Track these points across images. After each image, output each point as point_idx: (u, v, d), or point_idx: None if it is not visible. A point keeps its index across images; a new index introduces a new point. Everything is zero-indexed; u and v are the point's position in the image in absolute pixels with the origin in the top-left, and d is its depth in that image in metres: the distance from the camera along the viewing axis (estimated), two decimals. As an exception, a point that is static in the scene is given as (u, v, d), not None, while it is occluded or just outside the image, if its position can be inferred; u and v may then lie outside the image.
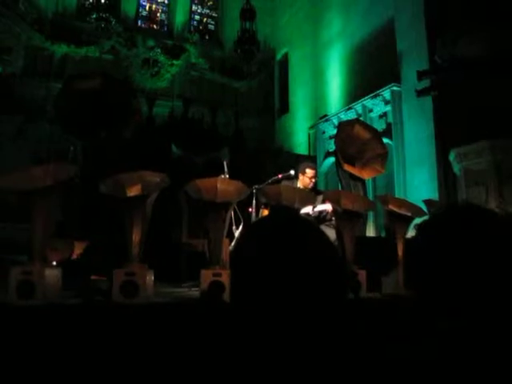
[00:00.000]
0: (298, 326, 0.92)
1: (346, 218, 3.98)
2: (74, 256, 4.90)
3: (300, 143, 13.48)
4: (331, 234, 4.46)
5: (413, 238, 1.16)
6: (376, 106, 10.10)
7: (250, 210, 5.69)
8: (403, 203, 4.57)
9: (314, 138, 12.52)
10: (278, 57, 15.78)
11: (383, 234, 9.02)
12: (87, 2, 14.41)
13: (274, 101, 15.62)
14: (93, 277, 4.19)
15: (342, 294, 0.99)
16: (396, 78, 9.48)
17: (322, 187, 10.54)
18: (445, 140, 7.97)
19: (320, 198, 5.42)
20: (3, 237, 6.29)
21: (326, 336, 0.94)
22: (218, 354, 1.04)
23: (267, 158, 10.56)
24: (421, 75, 8.07)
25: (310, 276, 0.93)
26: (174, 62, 14.26)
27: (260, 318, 0.92)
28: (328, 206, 5.48)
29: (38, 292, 2.99)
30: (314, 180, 5.84)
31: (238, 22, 15.06)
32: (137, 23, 15.26)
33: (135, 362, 2.60)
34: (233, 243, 5.25)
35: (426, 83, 8.18)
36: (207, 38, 15.98)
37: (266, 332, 0.92)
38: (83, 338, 2.72)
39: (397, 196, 8.15)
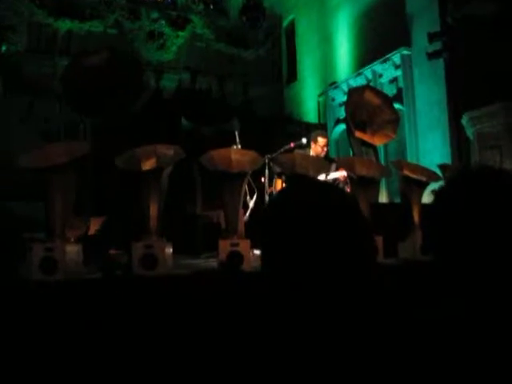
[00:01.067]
0: (331, 291, 0.93)
1: (361, 185, 3.98)
2: (91, 232, 4.96)
3: (309, 111, 13.38)
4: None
5: (430, 203, 1.16)
6: (386, 71, 9.95)
7: (263, 179, 5.71)
8: (417, 168, 4.55)
9: (324, 106, 12.42)
10: (285, 24, 15.52)
11: (396, 200, 9.01)
12: (89, -25, 14.20)
13: (281, 69, 15.44)
14: (111, 251, 4.25)
15: (373, 257, 1.00)
16: (406, 42, 9.31)
17: (333, 155, 10.47)
18: (457, 104, 7.87)
19: (333, 165, 5.42)
20: (19, 214, 6.36)
21: (359, 300, 0.95)
22: (243, 322, 1.06)
23: (277, 127, 10.51)
24: (432, 37, 7.91)
25: (342, 241, 0.93)
26: (180, 33, 14.09)
27: (292, 284, 0.93)
28: (341, 174, 5.49)
29: (60, 268, 3.05)
30: (325, 148, 5.84)
31: (244, -10, 14.80)
32: (140, -5, 15.05)
33: (158, 333, 2.65)
34: (247, 213, 5.29)
35: (437, 45, 8.02)
36: (212, 7, 15.72)
37: (298, 296, 0.93)
38: (106, 311, 2.78)
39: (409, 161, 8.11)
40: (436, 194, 1.12)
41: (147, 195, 3.32)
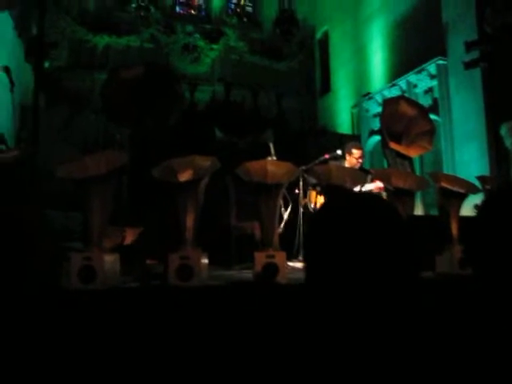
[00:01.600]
0: (375, 305, 0.92)
1: (398, 197, 3.93)
2: (127, 242, 5.03)
3: (343, 122, 13.33)
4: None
5: (472, 216, 1.14)
6: (421, 82, 9.84)
7: (297, 191, 5.70)
8: (455, 180, 4.46)
9: (358, 117, 12.35)
10: (318, 35, 15.54)
11: (432, 212, 8.85)
12: (126, -8, 14.56)
13: (315, 81, 15.44)
14: (148, 261, 4.30)
15: (417, 272, 0.99)
16: (441, 51, 9.19)
17: (367, 166, 10.40)
18: (495, 114, 7.71)
19: (368, 177, 5.37)
20: (57, 224, 6.50)
21: (402, 315, 0.94)
22: (281, 335, 1.06)
23: (311, 139, 10.49)
24: (469, 46, 7.79)
25: (387, 254, 0.92)
26: (213, 46, 14.28)
27: (337, 298, 0.92)
28: (376, 185, 5.43)
29: (99, 277, 3.09)
30: (360, 160, 5.81)
31: (276, 2, 14.90)
32: (175, 10, 15.31)
33: (193, 343, 2.67)
34: (282, 225, 5.28)
35: (474, 55, 7.90)
36: (245, 20, 15.88)
37: (342, 310, 0.92)
38: (143, 320, 2.80)
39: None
40: (479, 207, 1.11)
41: (184, 206, 3.35)
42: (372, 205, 1.01)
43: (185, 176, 3.44)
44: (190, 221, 3.38)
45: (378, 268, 0.91)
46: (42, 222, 1.39)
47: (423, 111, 6.34)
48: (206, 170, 3.55)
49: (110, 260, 3.32)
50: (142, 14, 13.32)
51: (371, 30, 12.17)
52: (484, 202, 1.12)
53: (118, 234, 4.98)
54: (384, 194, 5.21)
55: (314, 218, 1.06)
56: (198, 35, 14.21)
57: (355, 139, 10.43)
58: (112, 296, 2.89)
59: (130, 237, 5.01)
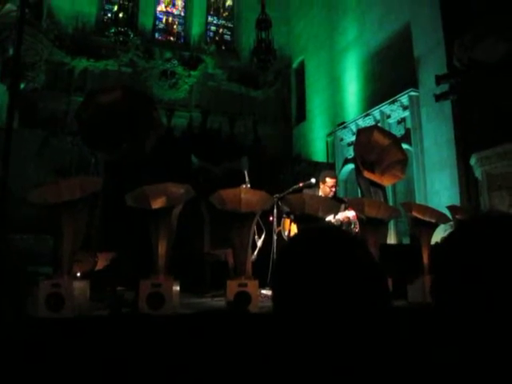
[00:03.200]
0: (344, 335, 0.92)
1: (370, 226, 3.95)
2: (99, 268, 4.94)
3: (318, 150, 13.46)
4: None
5: (440, 244, 1.15)
6: (394, 112, 10.03)
7: (271, 218, 5.70)
8: (427, 209, 4.53)
9: (332, 145, 12.48)
10: (294, 65, 15.80)
11: (404, 241, 8.94)
12: (106, 17, 14.64)
13: (291, 109, 15.63)
14: (119, 288, 4.22)
15: (386, 302, 0.99)
16: (414, 83, 9.41)
17: (341, 195, 10.48)
18: (465, 144, 7.88)
19: (342, 206, 5.41)
20: (25, 248, 6.36)
21: (372, 344, 0.94)
22: (250, 363, 1.05)
23: (286, 167, 10.55)
24: (439, 80, 8.00)
25: (355, 286, 0.93)
26: (192, 72, 14.38)
27: (305, 327, 0.92)
28: (349, 214, 5.47)
29: (67, 304, 3.02)
30: (334, 189, 5.85)
31: (254, 32, 15.13)
32: (154, 36, 15.42)
33: (162, 372, 2.61)
34: (255, 253, 5.26)
35: (444, 87, 8.11)
36: (223, 48, 16.08)
37: (310, 340, 0.92)
38: (112, 348, 2.74)
39: (418, 202, 8.07)
40: (445, 239, 1.12)
41: (156, 233, 3.31)
42: (338, 237, 1.03)
43: (158, 203, 3.41)
44: (162, 248, 3.34)
45: (344, 298, 0.91)
46: (5, 245, 1.35)
47: (396, 141, 6.45)
48: (180, 197, 3.53)
49: (80, 287, 3.25)
50: (121, 38, 13.35)
51: (346, 60, 12.43)
52: (451, 233, 1.14)
53: (89, 259, 4.89)
54: (356, 223, 5.26)
55: (283, 248, 1.07)
56: (176, 61, 14.33)
57: (330, 167, 10.54)
58: (80, 324, 2.82)
59: (101, 262, 4.92)
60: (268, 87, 15.33)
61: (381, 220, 3.98)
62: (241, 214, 3.52)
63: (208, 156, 8.43)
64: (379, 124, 9.86)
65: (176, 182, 3.87)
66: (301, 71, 15.30)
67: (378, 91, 10.78)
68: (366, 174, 5.89)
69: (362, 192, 6.15)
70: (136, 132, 4.88)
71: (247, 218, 3.52)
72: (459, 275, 1.00)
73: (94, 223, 5.11)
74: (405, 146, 8.13)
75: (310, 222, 3.93)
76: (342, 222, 5.54)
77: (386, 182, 6.16)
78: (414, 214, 4.29)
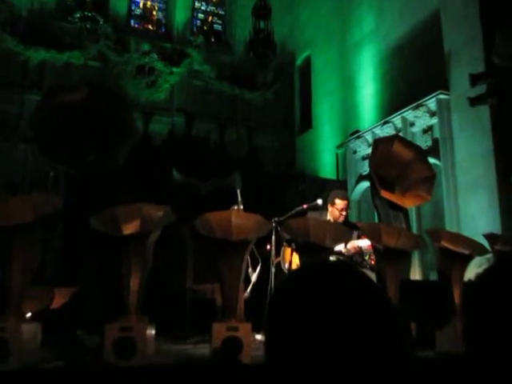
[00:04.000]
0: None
1: (389, 258, 3.95)
2: (55, 306, 4.90)
3: (326, 165, 13.50)
4: (370, 277, 4.40)
5: (474, 282, 1.15)
6: (419, 119, 10.09)
7: (269, 247, 5.69)
8: (459, 238, 4.53)
9: (344, 159, 12.52)
10: (299, 62, 15.93)
11: (432, 277, 8.91)
12: (70, -1, 14.63)
13: (294, 115, 15.71)
14: (79, 332, 4.18)
15: (400, 353, 0.99)
16: (443, 84, 9.47)
17: (353, 219, 10.48)
18: (506, 158, 7.89)
19: (354, 233, 5.41)
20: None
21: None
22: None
23: (287, 184, 10.57)
24: (475, 80, 8.03)
25: (364, 334, 0.93)
26: (174, 69, 14.47)
27: (298, 381, 0.93)
28: (364, 243, 5.46)
29: (13, 353, 2.97)
30: (345, 212, 5.86)
31: (250, 21, 15.28)
32: (129, 23, 15.53)
33: None
34: (249, 289, 5.24)
35: (481, 89, 8.14)
36: (213, 40, 16.22)
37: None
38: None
39: (448, 229, 8.07)
40: (480, 275, 1.12)
41: (128, 264, 3.29)
42: (349, 275, 1.03)
43: (130, 228, 3.40)
44: (135, 282, 3.32)
45: (351, 349, 0.91)
46: None
47: (421, 154, 6.48)
48: (157, 221, 3.52)
49: (30, 330, 3.21)
50: (88, 25, 13.39)
51: (361, 57, 12.53)
52: (489, 268, 1.14)
53: (43, 296, 4.85)
54: (371, 254, 5.25)
55: (280, 286, 1.07)
56: (155, 55, 14.41)
57: (340, 186, 10.56)
58: (28, 378, 2.78)
59: (59, 300, 4.88)
60: (267, 88, 15.43)
61: (402, 251, 3.98)
62: (231, 242, 3.51)
63: (193, 170, 8.43)
64: (401, 134, 9.90)
65: (153, 202, 3.86)
66: (306, 69, 15.42)
67: (399, 94, 10.86)
68: (385, 194, 5.90)
69: (379, 216, 6.16)
70: (106, 140, 4.88)
71: (239, 246, 3.51)
72: (497, 320, 1.00)
73: (50, 252, 5.08)
74: (432, 160, 8.15)
75: (315, 252, 3.92)
76: (353, 253, 5.54)
77: (409, 203, 6.18)
78: (443, 243, 4.28)
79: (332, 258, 5.47)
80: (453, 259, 4.16)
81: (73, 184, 5.30)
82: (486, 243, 4.85)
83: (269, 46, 14.71)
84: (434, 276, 8.86)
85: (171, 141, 12.95)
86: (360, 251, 5.52)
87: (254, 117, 15.02)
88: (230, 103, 14.87)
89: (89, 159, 4.84)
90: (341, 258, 5.59)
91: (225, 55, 15.63)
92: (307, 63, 15.41)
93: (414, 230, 8.60)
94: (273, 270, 5.49)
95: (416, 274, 9.04)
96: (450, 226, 8.58)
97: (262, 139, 14.56)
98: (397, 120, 10.55)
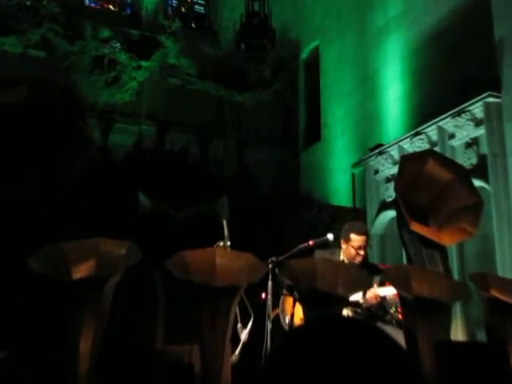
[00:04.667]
0: None
1: (421, 312, 3.94)
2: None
3: (339, 188, 13.55)
4: (396, 337, 4.40)
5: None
6: (460, 129, 10.15)
7: (264, 296, 5.67)
8: (513, 286, 4.52)
9: (362, 181, 12.56)
10: (304, 55, 16.08)
11: (479, 336, 8.90)
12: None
13: (298, 123, 15.79)
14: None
15: None
16: (493, 84, 9.51)
17: (376, 259, 10.48)
18: None
19: (376, 278, 5.41)
20: None
21: None
22: None
23: (289, 213, 10.58)
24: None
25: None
26: (143, 63, 14.56)
27: None
28: (388, 292, 5.47)
29: None
30: (362, 252, 5.86)
31: (242, 2, 15.39)
32: (83, 2, 15.60)
33: None
34: (237, 350, 5.21)
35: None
36: (193, 26, 16.32)
37: None
38: None
39: (500, 273, 8.08)
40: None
41: (78, 320, 3.27)
42: (361, 337, 1.05)
43: (82, 271, 3.39)
44: (86, 342, 3.29)
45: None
46: None
47: (463, 175, 6.51)
48: (118, 261, 3.50)
49: None
50: (29, 3, 13.40)
51: (385, 49, 12.65)
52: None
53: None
54: (397, 306, 5.23)
55: (278, 347, 1.11)
56: (118, 44, 14.49)
57: (357, 216, 10.59)
58: None
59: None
60: (262, 89, 15.51)
61: (438, 302, 3.96)
62: (215, 289, 3.50)
63: (166, 195, 8.44)
64: (436, 148, 9.95)
65: (113, 237, 3.85)
66: (314, 65, 15.56)
67: (434, 96, 10.92)
68: (415, 228, 5.91)
69: (408, 256, 6.16)
70: (51, 154, 4.88)
71: (225, 295, 3.50)
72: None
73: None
74: (477, 183, 8.19)
75: (323, 303, 3.91)
76: (374, 305, 5.53)
77: (448, 240, 6.18)
78: (493, 293, 4.27)
79: (346, 312, 5.46)
80: (506, 313, 4.15)
81: (4, 212, 5.30)
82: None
83: (265, 34, 14.80)
84: (482, 336, 8.84)
85: (138, 156, 12.98)
86: (383, 302, 5.51)
87: (246, 125, 15.09)
88: (215, 108, 14.93)
89: (28, 178, 4.83)
90: (358, 310, 5.58)
91: (208, 47, 15.71)
92: (315, 57, 15.55)
93: (455, 275, 8.59)
94: (269, 325, 5.47)
95: (458, 333, 9.03)
96: (503, 270, 8.59)
97: (256, 154, 14.61)
98: (431, 131, 10.62)
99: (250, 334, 5.57)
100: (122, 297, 3.91)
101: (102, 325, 3.31)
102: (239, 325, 5.21)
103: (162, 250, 4.04)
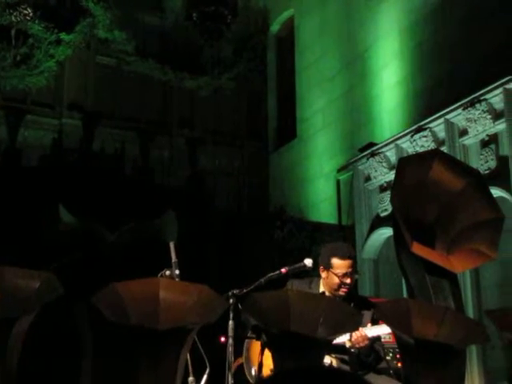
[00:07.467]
0: None
1: (425, 359, 3.97)
2: None
3: (320, 200, 13.60)
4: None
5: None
6: (475, 124, 10.23)
7: (223, 340, 5.68)
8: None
9: (349, 190, 12.62)
10: (275, 28, 16.13)
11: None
12: None
13: (266, 116, 15.82)
14: None
15: None
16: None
17: (366, 291, 10.55)
18: None
19: (366, 314, 5.44)
20: None
21: None
22: None
23: (256, 232, 10.61)
24: None
25: None
26: (64, 36, 14.48)
27: None
28: (382, 332, 5.50)
29: None
30: (348, 280, 5.87)
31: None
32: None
33: None
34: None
35: None
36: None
37: None
38: None
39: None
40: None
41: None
42: None
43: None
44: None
45: None
46: None
47: (478, 182, 6.58)
48: (30, 298, 3.49)
49: None
50: None
51: (379, 20, 12.73)
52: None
53: None
54: (394, 351, 5.26)
55: None
56: (29, 11, 14.40)
57: (343, 235, 10.63)
58: None
59: None
60: (221, 72, 15.54)
61: (447, 347, 4.00)
62: (158, 332, 3.49)
63: (94, 209, 8.43)
64: (444, 148, 10.03)
65: (24, 265, 3.84)
66: (287, 41, 15.64)
67: (441, 81, 11.01)
68: (418, 250, 5.95)
69: (408, 286, 6.20)
70: None
71: (171, 340, 3.49)
72: None
73: None
74: (496, 191, 8.27)
75: (299, 349, 3.92)
76: (364, 349, 5.54)
77: (459, 266, 6.23)
78: (517, 333, 4.32)
79: (329, 360, 5.48)
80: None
81: None
82: None
83: (223, 2, 14.85)
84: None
85: (58, 159, 12.93)
86: (374, 346, 5.53)
87: (200, 119, 15.10)
88: (160, 96, 14.94)
89: None
90: (344, 358, 5.60)
91: (150, 16, 15.73)
92: (289, 30, 15.63)
93: (470, 312, 8.67)
94: (230, 380, 5.47)
95: (474, 385, 9.11)
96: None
97: (214, 157, 14.63)
98: (438, 126, 10.68)
99: (206, 388, 5.58)
100: (36, 344, 3.89)
101: (9, 380, 3.29)
102: (191, 378, 5.22)
103: (89, 282, 4.03)
